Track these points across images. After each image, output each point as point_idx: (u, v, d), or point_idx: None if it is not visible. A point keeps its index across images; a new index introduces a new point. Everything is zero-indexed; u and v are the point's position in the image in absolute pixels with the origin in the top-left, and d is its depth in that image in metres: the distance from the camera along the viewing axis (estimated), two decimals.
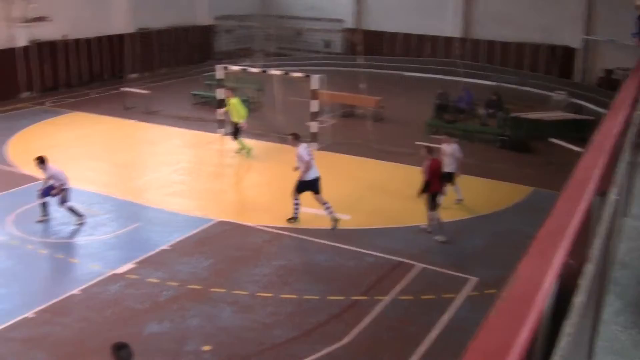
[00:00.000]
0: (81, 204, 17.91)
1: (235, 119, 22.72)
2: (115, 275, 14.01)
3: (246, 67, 25.97)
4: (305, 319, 12.47)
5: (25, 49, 33.36)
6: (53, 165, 17.14)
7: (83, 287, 13.50)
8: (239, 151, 22.79)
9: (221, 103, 24.37)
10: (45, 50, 34.28)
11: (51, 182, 16.85)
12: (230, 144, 23.12)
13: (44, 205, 17.01)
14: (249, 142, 23.55)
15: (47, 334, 11.92)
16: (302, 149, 16.78)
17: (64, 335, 11.87)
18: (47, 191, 16.92)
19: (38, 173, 19.96)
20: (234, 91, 23.69)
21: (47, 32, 34.06)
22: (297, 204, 16.88)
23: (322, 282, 13.81)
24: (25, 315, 12.48)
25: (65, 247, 15.54)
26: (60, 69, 35.21)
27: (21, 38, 33.32)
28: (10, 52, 32.73)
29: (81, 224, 16.78)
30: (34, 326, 12.18)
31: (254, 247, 15.63)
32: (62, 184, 16.86)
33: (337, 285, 13.72)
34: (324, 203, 16.73)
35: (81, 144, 24.59)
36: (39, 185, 18.39)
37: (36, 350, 11.44)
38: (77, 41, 35.68)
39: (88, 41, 36.32)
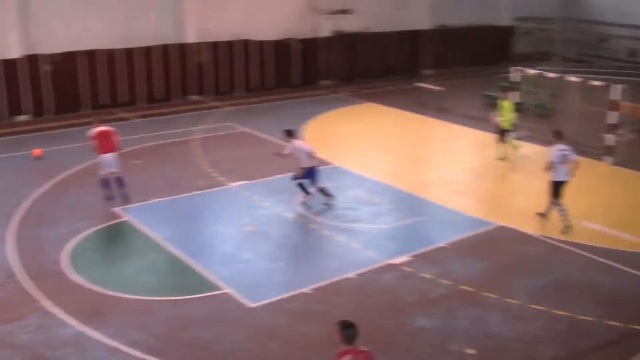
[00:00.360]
0: (365, 191, 18.51)
1: (501, 121, 22.08)
2: (390, 265, 14.24)
3: (543, 72, 25.15)
4: (576, 340, 11.79)
5: (328, 39, 35.03)
6: (299, 141, 17.97)
7: (359, 271, 13.89)
8: (502, 155, 22.16)
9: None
10: (346, 41, 35.77)
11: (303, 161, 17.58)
12: (515, 148, 22.53)
13: (322, 190, 17.84)
14: (535, 148, 22.85)
15: (319, 311, 12.40)
16: (555, 149, 16.16)
17: (335, 314, 12.20)
18: (310, 175, 17.70)
19: (331, 158, 20.99)
20: (509, 93, 23.07)
21: (349, 23, 35.49)
22: (561, 210, 16.23)
23: (599, 304, 12.95)
24: (303, 290, 13.12)
25: (346, 232, 16.03)
26: (358, 61, 36.55)
27: (325, 28, 35.02)
28: (314, 42, 34.56)
29: (305, 201, 17.77)
30: (308, 301, 12.73)
31: (532, 256, 15.08)
32: (303, 161, 17.56)
33: (616, 309, 12.78)
34: (556, 205, 16.28)
35: (372, 134, 25.36)
36: (329, 170, 19.37)
37: (306, 324, 11.94)
38: (376, 34, 36.79)
39: (387, 35, 37.30)
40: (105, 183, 17.94)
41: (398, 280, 13.64)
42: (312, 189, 17.85)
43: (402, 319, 12.23)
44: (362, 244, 15.31)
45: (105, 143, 17.74)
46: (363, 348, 7.89)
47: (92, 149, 17.92)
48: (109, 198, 17.90)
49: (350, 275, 13.75)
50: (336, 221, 16.64)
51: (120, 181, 18.03)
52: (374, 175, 20.11)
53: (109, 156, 17.77)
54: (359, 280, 13.59)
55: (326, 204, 17.71)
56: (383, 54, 37.46)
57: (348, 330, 7.88)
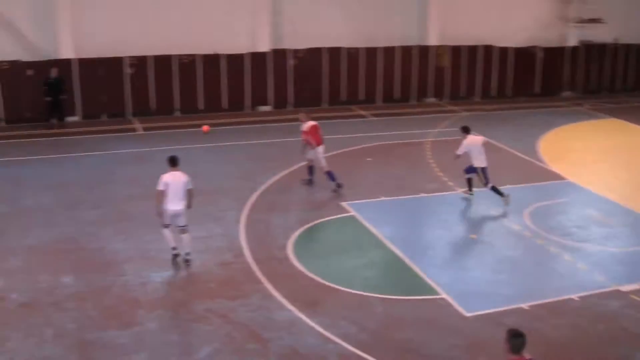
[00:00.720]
0: (599, 211, 17.62)
1: None
2: (617, 291, 13.39)
3: None
4: None
5: (574, 49, 33.66)
6: (471, 139, 17.90)
7: (582, 294, 13.21)
8: None
9: None
10: (593, 52, 34.19)
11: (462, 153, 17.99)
12: None
13: (469, 182, 18.25)
14: None
15: (535, 330, 11.92)
16: None
17: (551, 335, 11.78)
18: (470, 168, 17.97)
19: (565, 173, 20.27)
20: None
21: (598, 34, 33.86)
22: None
23: None
24: (520, 305, 12.71)
25: (574, 251, 15.31)
26: (605, 73, 34.82)
27: (572, 38, 33.73)
28: (559, 51, 33.35)
29: (506, 203, 17.69)
30: (525, 318, 12.29)
31: None
32: (474, 161, 17.84)
33: None
34: None
35: (612, 151, 24.00)
36: (562, 185, 18.72)
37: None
38: (627, 46, 34.83)
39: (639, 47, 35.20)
40: (330, 174, 18.67)
41: (625, 309, 12.79)
42: (486, 187, 17.96)
43: (625, 351, 11.48)
44: (589, 265, 14.57)
45: (317, 136, 18.62)
46: (528, 356, 7.85)
47: (306, 142, 18.74)
48: (339, 186, 18.66)
49: (573, 296, 13.12)
50: (564, 239, 15.95)
51: (331, 175, 18.83)
52: (610, 194, 19.03)
53: (321, 149, 18.65)
54: (582, 303, 12.93)
55: (505, 202, 17.72)
56: (633, 67, 35.37)
57: (516, 339, 7.92)
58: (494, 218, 17.13)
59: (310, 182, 19.19)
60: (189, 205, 14.16)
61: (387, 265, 14.61)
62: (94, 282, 13.38)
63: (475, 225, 16.71)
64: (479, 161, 17.85)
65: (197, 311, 12.37)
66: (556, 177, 20.45)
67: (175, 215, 13.96)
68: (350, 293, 13.12)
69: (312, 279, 13.68)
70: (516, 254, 15.26)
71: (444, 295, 13.04)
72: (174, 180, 13.79)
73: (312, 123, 18.77)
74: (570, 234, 16.26)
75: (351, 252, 15.06)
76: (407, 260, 14.56)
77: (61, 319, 12.00)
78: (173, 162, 14.03)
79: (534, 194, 18.77)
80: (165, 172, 14.03)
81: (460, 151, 17.93)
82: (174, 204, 13.84)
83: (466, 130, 18.15)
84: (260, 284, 13.43)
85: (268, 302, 12.72)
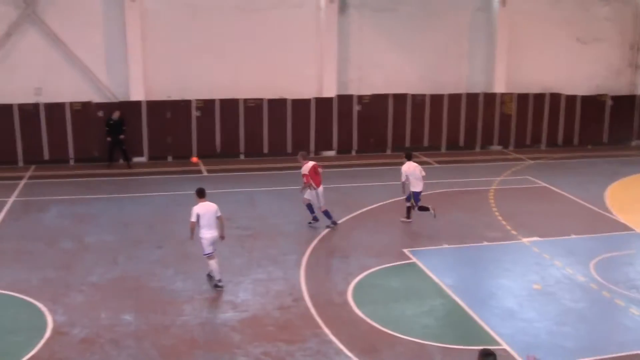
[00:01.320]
0: None
1: None
2: None
3: None
4: None
5: None
6: (410, 165, 19.37)
7: None
8: None
9: None
10: None
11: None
12: None
13: (422, 208, 19.57)
14: None
15: None
16: None
17: None
18: (416, 197, 19.47)
19: (633, 223, 19.77)
20: None
21: None
22: None
23: None
24: (584, 359, 12.34)
25: None
26: None
27: None
28: (629, 99, 32.71)
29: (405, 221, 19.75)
30: None
31: None
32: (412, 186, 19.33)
33: None
34: None
35: None
36: (629, 236, 18.35)
37: None
38: None
39: None
40: (327, 213, 19.34)
41: None
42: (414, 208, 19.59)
43: None
44: None
45: (317, 178, 19.04)
46: None
47: (306, 184, 18.93)
48: (335, 224, 19.35)
49: (637, 351, 12.69)
50: (631, 291, 15.46)
51: (327, 213, 19.33)
52: None
53: (321, 189, 19.11)
54: None
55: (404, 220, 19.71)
56: None
57: (487, 358, 7.87)
58: (559, 269, 16.73)
59: (316, 219, 19.42)
60: (222, 236, 15.15)
61: (447, 314, 14.36)
62: (153, 321, 13.50)
63: (539, 275, 16.32)
64: (417, 186, 19.34)
65: (254, 354, 12.33)
66: (623, 227, 19.94)
67: (214, 241, 14.85)
68: (409, 341, 12.92)
69: (371, 326, 13.53)
70: (581, 306, 14.85)
71: (505, 346, 12.73)
72: (206, 211, 14.75)
73: (311, 164, 19.05)
74: (638, 286, 15.77)
75: (411, 300, 14.87)
76: (468, 310, 14.31)
77: (119, 356, 12.11)
78: (201, 194, 15.01)
79: (600, 245, 18.33)
80: (195, 204, 14.89)
81: (403, 178, 19.31)
82: (211, 231, 14.86)
83: (407, 157, 19.49)
84: (319, 328, 13.34)
85: (326, 347, 12.62)
